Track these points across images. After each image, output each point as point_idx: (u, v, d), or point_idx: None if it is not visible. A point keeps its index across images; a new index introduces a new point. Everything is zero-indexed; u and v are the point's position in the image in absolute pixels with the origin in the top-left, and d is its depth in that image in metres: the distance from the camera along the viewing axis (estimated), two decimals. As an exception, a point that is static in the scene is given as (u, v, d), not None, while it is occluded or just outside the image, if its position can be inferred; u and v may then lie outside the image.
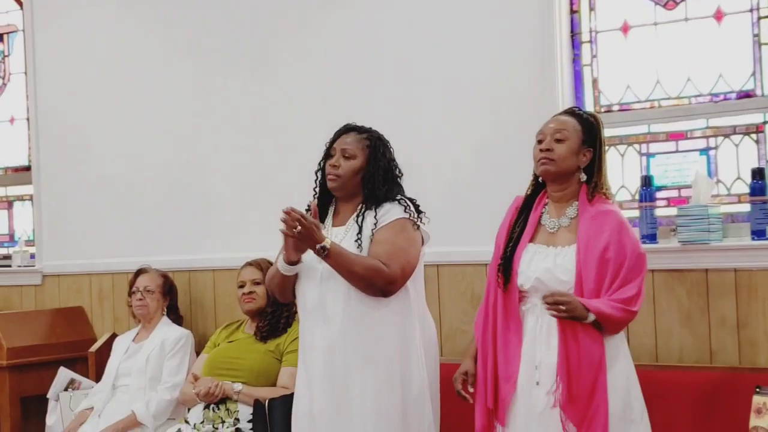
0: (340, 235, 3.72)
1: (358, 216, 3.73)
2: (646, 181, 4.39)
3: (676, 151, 4.51)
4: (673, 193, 4.51)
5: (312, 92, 5.21)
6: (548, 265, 3.50)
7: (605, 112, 4.64)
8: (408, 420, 3.66)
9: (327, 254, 3.56)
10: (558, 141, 3.54)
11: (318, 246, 3.55)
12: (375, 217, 3.69)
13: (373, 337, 3.63)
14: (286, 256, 3.66)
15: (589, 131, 3.58)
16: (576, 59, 4.69)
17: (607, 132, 4.55)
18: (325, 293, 3.67)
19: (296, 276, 3.75)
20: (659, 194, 4.46)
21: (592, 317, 3.37)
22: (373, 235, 3.67)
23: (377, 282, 3.59)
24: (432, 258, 4.69)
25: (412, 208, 3.74)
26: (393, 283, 3.62)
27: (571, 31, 4.70)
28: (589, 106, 4.65)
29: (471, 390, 3.65)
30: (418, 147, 4.79)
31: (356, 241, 3.67)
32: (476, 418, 3.60)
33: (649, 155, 4.56)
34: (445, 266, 4.78)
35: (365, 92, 5.02)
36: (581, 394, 3.38)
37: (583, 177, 3.57)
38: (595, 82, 4.68)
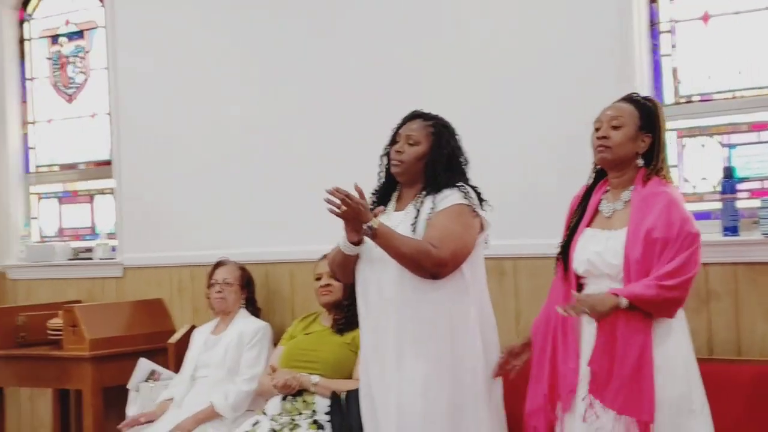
0: (399, 218, 3.73)
1: (417, 201, 3.74)
2: (728, 173, 4.32)
3: (759, 142, 4.42)
4: (756, 185, 4.43)
5: (383, 81, 5.21)
6: (599, 248, 3.50)
7: (685, 102, 4.57)
8: (461, 403, 3.64)
9: (374, 234, 3.57)
10: (614, 128, 3.55)
11: (365, 226, 3.57)
12: (433, 202, 3.70)
13: (425, 320, 3.63)
14: (348, 236, 3.68)
15: (646, 116, 3.57)
16: (655, 49, 4.63)
17: (687, 123, 4.50)
18: (380, 274, 3.69)
19: (357, 258, 3.76)
20: (741, 186, 4.38)
21: (624, 302, 3.33)
22: (429, 218, 3.67)
23: (425, 264, 3.59)
24: (510, 251, 4.69)
25: (472, 195, 3.73)
26: (443, 266, 3.61)
27: (650, 21, 4.63)
28: (668, 97, 4.59)
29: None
30: (492, 139, 4.77)
31: (412, 224, 3.68)
32: (528, 401, 3.61)
33: (730, 146, 4.48)
34: (522, 259, 4.75)
35: (438, 82, 5.00)
36: (620, 378, 3.33)
37: (641, 162, 3.56)
38: (674, 72, 4.61)
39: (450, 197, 3.69)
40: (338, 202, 3.53)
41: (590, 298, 3.36)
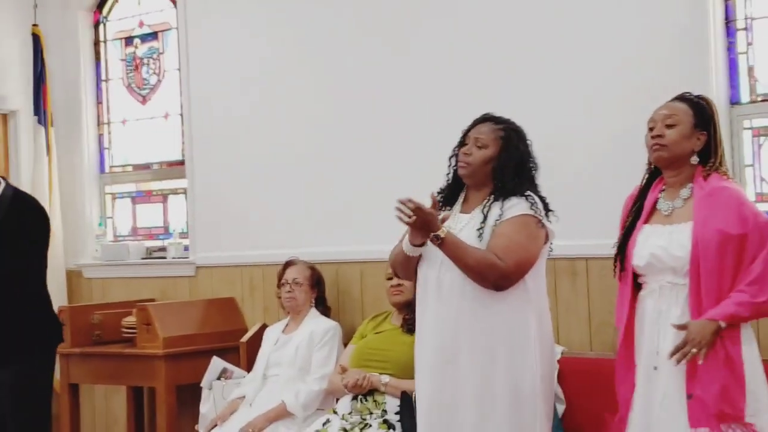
0: (464, 221, 3.71)
1: (484, 206, 3.72)
2: (806, 172, 4.25)
3: (836, 141, 4.34)
4: (832, 185, 4.35)
5: (453, 81, 5.20)
6: (662, 242, 3.50)
7: (762, 101, 4.50)
8: (519, 416, 3.60)
9: (441, 243, 3.57)
10: (669, 126, 3.56)
11: (433, 235, 3.56)
12: (500, 209, 3.67)
13: (484, 329, 3.60)
14: (411, 238, 3.67)
15: (701, 114, 3.57)
16: (731, 47, 4.56)
17: (763, 121, 4.43)
18: (443, 279, 3.66)
19: (419, 257, 3.75)
20: (819, 185, 4.31)
21: (723, 324, 3.34)
22: (495, 227, 3.65)
23: (490, 276, 3.57)
24: (582, 251, 4.65)
25: (540, 206, 3.69)
26: (506, 278, 3.58)
27: (726, 19, 4.56)
28: (744, 96, 4.52)
29: None
30: (564, 138, 4.73)
31: (478, 230, 3.65)
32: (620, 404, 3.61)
33: (807, 145, 4.41)
34: (593, 260, 4.71)
35: (510, 83, 4.98)
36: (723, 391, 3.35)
37: (695, 160, 3.55)
38: (750, 70, 4.54)
39: (517, 206, 3.66)
40: (409, 212, 3.53)
41: (692, 337, 3.34)
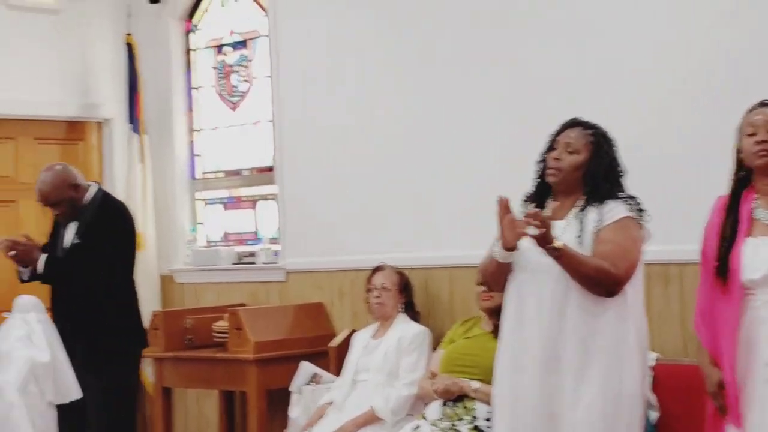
0: (559, 229, 3.66)
1: (579, 212, 3.68)
2: None
3: None
4: None
5: (539, 89, 5.18)
6: None
7: None
8: (616, 422, 3.56)
9: (559, 255, 3.53)
10: None
11: (550, 247, 3.52)
12: (599, 214, 3.64)
13: (587, 336, 3.56)
14: (504, 242, 3.63)
15: None
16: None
17: None
18: (542, 287, 3.63)
19: (510, 265, 3.71)
20: None
21: None
22: (595, 232, 3.61)
23: (605, 283, 3.55)
24: (676, 257, 4.58)
25: (637, 207, 3.67)
26: (619, 284, 3.57)
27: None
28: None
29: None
30: (651, 141, 4.68)
31: (578, 237, 3.62)
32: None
33: None
34: (689, 265, 4.62)
35: (593, 89, 4.95)
36: None
37: None
38: None
39: (616, 210, 3.64)
40: (536, 223, 3.49)
41: None
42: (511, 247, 3.64)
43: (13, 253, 5.05)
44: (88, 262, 5.03)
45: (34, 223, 5.58)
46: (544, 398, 3.61)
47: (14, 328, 4.48)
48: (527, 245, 3.60)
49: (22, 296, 4.68)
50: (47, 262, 5.08)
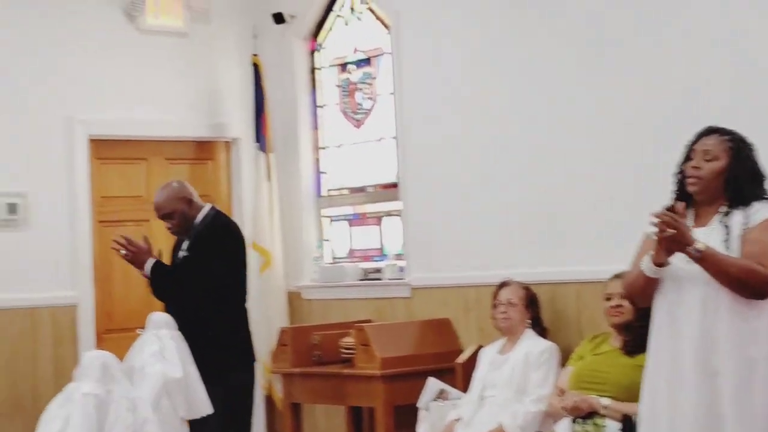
0: (703, 235, 3.59)
1: (723, 217, 3.62)
2: None
3: None
4: None
5: (667, 96, 5.11)
6: None
7: None
8: None
9: (701, 256, 3.47)
10: None
11: (691, 248, 3.48)
12: (745, 216, 3.57)
13: (743, 341, 3.49)
14: (656, 258, 3.58)
15: None
16: None
17: None
18: (692, 295, 3.56)
19: (659, 280, 3.65)
20: None
21: None
22: (742, 234, 3.55)
23: (753, 283, 3.47)
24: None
25: None
26: None
27: None
28: None
29: None
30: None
31: (724, 241, 3.56)
32: None
33: None
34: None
35: (719, 96, 4.87)
36: None
37: None
38: None
39: (763, 210, 3.58)
40: (664, 226, 3.46)
41: None
42: (661, 263, 3.59)
43: (124, 252, 5.21)
44: (195, 276, 5.14)
45: (165, 241, 5.71)
46: (702, 409, 3.53)
47: (148, 344, 4.59)
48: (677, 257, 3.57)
49: (155, 313, 4.80)
50: (154, 266, 5.21)
